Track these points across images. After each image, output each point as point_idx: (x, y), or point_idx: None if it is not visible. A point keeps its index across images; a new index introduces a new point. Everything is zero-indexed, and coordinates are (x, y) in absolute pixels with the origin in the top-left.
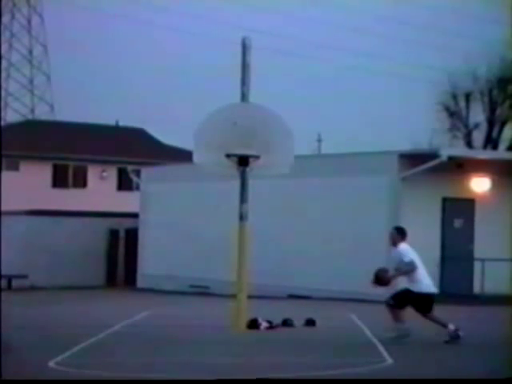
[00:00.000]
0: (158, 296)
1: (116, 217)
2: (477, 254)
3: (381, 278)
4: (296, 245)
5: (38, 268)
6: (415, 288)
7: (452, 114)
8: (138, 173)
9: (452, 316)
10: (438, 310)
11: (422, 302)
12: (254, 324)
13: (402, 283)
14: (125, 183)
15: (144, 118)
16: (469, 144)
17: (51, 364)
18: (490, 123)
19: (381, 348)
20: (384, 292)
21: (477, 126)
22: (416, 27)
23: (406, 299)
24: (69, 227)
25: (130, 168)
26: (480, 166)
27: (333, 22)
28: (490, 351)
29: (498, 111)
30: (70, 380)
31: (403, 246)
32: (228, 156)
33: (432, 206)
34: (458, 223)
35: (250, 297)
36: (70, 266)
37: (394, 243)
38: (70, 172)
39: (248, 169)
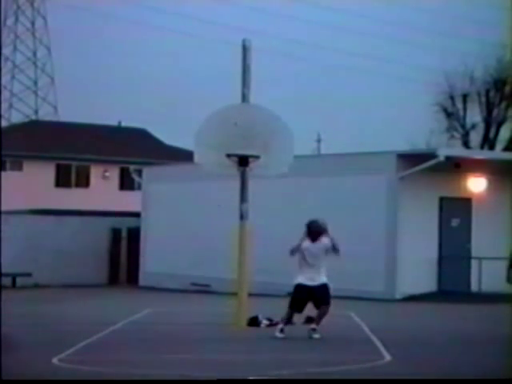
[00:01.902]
0: (159, 294)
1: (118, 216)
2: (474, 252)
3: (317, 231)
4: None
5: (42, 266)
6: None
7: (449, 114)
8: (139, 172)
9: (450, 314)
10: (437, 309)
11: None
12: (254, 321)
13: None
14: (127, 183)
15: (146, 118)
16: (466, 144)
17: (54, 361)
18: (487, 124)
19: (379, 345)
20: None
21: (474, 126)
22: (414, 29)
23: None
24: (72, 226)
25: (131, 168)
26: (477, 166)
27: (332, 24)
28: (487, 349)
29: (495, 112)
30: (68, 380)
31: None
32: (228, 156)
33: (430, 205)
34: (455, 222)
35: (250, 295)
36: (72, 265)
37: (317, 237)
38: (73, 172)
39: (248, 169)
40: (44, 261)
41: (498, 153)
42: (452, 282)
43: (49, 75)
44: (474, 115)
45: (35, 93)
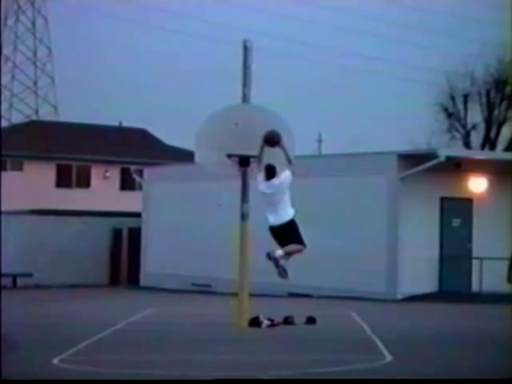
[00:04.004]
0: (160, 294)
1: (119, 216)
2: (475, 252)
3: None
4: None
5: (43, 267)
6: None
7: (450, 114)
8: (140, 173)
9: (451, 314)
10: (438, 309)
11: None
12: (255, 322)
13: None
14: (127, 183)
15: (146, 118)
16: (467, 144)
17: (55, 361)
18: (488, 124)
19: (380, 345)
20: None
21: (475, 126)
22: (414, 29)
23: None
24: (72, 226)
25: (132, 168)
26: (478, 166)
27: (333, 24)
28: (488, 349)
29: (496, 112)
30: (69, 380)
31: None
32: (229, 156)
33: (430, 205)
34: (456, 222)
35: (251, 295)
36: (73, 265)
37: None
38: (74, 172)
39: (249, 169)
40: (44, 261)
41: (499, 153)
42: (453, 282)
43: (49, 75)
44: (475, 115)
45: (35, 93)
